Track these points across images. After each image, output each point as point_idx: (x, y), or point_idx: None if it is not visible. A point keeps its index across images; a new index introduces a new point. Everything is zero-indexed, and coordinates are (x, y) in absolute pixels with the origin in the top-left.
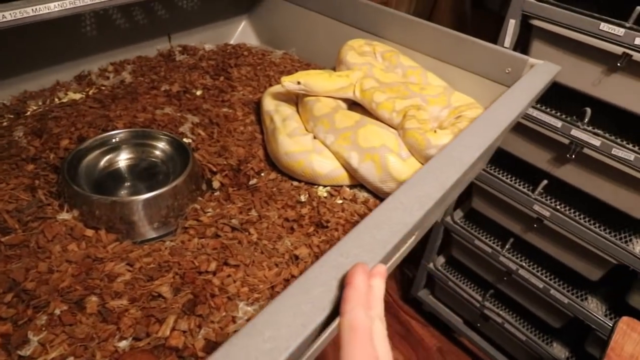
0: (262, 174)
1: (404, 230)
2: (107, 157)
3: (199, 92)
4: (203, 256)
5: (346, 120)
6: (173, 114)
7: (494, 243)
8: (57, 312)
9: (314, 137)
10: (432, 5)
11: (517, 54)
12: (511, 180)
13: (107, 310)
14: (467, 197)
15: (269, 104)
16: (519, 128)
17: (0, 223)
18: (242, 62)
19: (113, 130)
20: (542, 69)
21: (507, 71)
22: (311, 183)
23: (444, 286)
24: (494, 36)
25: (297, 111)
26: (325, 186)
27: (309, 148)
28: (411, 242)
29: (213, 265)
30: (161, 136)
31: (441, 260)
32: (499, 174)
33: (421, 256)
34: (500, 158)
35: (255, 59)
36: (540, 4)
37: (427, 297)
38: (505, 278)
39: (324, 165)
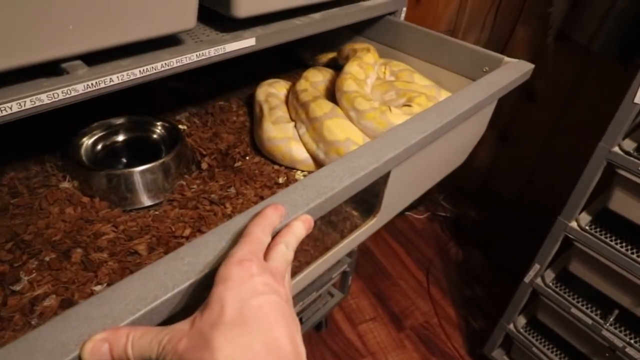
0: (247, 158)
1: (329, 192)
2: (108, 137)
3: (202, 89)
4: (180, 223)
5: (318, 109)
6: (174, 104)
7: (592, 312)
8: (47, 258)
9: (295, 126)
10: (508, 37)
11: (494, 53)
12: (625, 248)
13: (89, 260)
14: (557, 257)
15: (260, 94)
16: (636, 190)
17: (11, 187)
18: None
19: (117, 116)
20: (511, 67)
21: (484, 70)
22: (290, 167)
23: (526, 351)
24: (578, 76)
25: (286, 102)
26: (303, 171)
27: (290, 135)
28: (371, 224)
29: (187, 231)
30: (157, 122)
31: (522, 320)
32: (610, 239)
33: (491, 309)
34: (613, 223)
35: None
36: None
37: (502, 358)
38: (607, 354)
39: (301, 152)
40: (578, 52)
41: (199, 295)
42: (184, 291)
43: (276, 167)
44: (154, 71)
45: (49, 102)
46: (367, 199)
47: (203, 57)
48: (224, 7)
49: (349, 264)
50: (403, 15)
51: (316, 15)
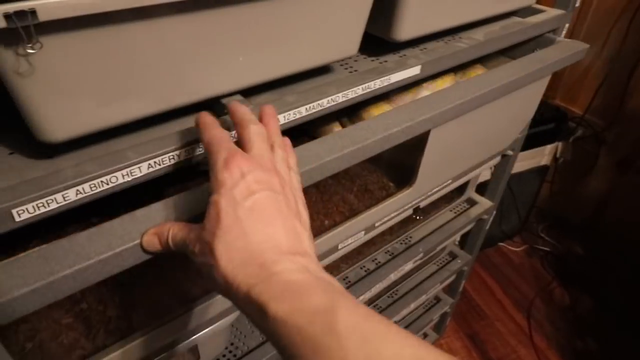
0: None
1: (362, 142)
2: None
3: None
4: None
5: None
6: None
7: None
8: None
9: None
10: None
11: (546, 34)
12: None
13: None
14: None
15: None
16: None
17: None
18: None
19: None
20: (561, 46)
21: (534, 51)
22: None
23: None
24: None
25: None
26: None
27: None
28: (406, 193)
29: None
30: None
31: None
32: None
33: None
34: None
35: None
36: None
37: None
38: None
39: None
40: None
41: None
42: None
43: None
44: (320, 108)
45: None
46: (404, 170)
47: (368, 90)
48: (383, 30)
49: (450, 305)
50: (564, 32)
51: (478, 36)
